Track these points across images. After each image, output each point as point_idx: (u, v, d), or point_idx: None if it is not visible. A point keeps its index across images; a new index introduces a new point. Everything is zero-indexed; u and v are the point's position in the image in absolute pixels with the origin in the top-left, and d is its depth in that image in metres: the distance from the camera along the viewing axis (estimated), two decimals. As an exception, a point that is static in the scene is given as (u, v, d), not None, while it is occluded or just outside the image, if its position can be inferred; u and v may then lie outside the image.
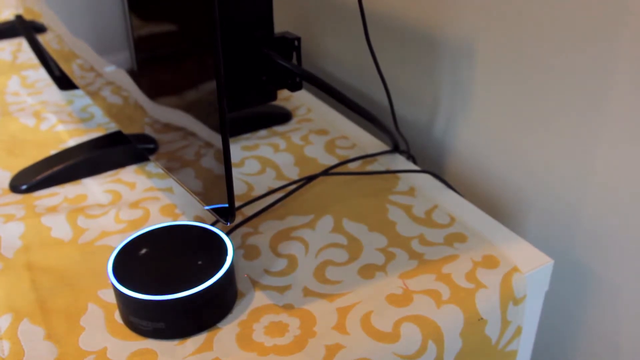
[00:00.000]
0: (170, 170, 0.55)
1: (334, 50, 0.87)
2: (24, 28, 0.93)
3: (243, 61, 0.52)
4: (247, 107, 0.54)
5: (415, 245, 0.52)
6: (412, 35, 0.71)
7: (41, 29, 0.86)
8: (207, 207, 0.49)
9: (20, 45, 0.97)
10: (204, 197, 0.50)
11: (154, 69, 0.52)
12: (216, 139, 0.44)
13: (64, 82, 0.76)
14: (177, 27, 0.45)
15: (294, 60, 0.53)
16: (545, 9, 0.54)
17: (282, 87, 0.54)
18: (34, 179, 0.61)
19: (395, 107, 0.77)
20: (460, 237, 0.53)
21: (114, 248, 0.51)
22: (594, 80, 0.52)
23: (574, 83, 0.54)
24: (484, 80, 0.63)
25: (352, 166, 0.64)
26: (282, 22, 0.98)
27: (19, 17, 0.96)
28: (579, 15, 0.52)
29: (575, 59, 0.53)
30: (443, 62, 0.68)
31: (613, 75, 0.50)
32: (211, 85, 0.43)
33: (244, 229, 0.54)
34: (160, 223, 0.49)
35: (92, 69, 0.67)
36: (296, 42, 0.52)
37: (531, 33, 0.56)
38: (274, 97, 0.54)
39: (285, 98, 0.78)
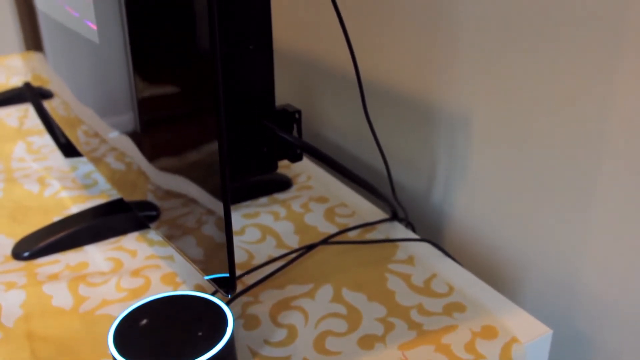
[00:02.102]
0: (170, 238, 0.55)
1: (333, 118, 0.89)
2: (31, 95, 0.95)
3: (245, 132, 0.53)
4: (248, 177, 0.55)
5: (414, 315, 0.53)
6: (409, 105, 0.73)
7: (48, 95, 0.89)
8: (207, 277, 0.50)
9: (27, 112, 0.99)
10: (205, 265, 0.50)
11: (157, 136, 0.53)
12: (218, 206, 0.45)
13: (68, 149, 0.77)
14: (181, 97, 0.47)
15: (295, 132, 0.54)
16: (539, 82, 0.56)
17: (282, 158, 0.55)
18: (36, 246, 0.61)
19: (394, 174, 0.79)
20: (459, 307, 0.54)
21: (115, 318, 0.52)
22: (589, 151, 0.54)
23: (570, 153, 0.55)
24: (480, 149, 0.65)
25: (352, 234, 0.64)
26: (284, 88, 1.00)
27: (27, 84, 0.98)
28: (573, 89, 0.53)
29: (570, 130, 0.55)
30: (440, 131, 0.69)
31: (608, 146, 0.52)
32: (214, 154, 0.44)
33: (244, 298, 0.55)
34: (160, 293, 0.49)
35: (96, 135, 0.68)
36: (297, 115, 0.54)
37: (525, 105, 0.58)
38: (275, 168, 0.56)
39: (286, 165, 0.79)
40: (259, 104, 0.52)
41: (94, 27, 0.56)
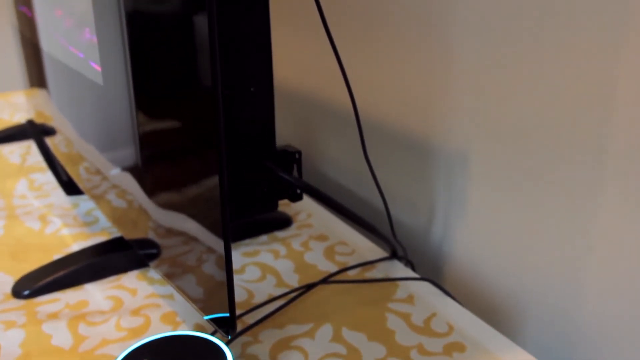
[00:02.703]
0: (170, 277, 0.56)
1: (333, 155, 0.89)
2: (34, 132, 0.96)
3: (245, 172, 0.54)
4: (248, 217, 0.56)
5: (414, 355, 0.52)
6: (408, 143, 0.74)
7: (51, 131, 0.90)
8: (206, 317, 0.50)
9: (29, 148, 1.00)
10: (205, 305, 0.51)
11: (158, 174, 0.54)
12: (218, 244, 0.46)
13: (70, 187, 0.78)
14: (183, 137, 0.48)
15: (295, 172, 0.55)
16: (535, 122, 0.57)
17: (283, 198, 0.55)
18: (36, 284, 0.62)
19: (393, 212, 0.79)
20: (459, 347, 0.54)
21: (115, 358, 0.51)
22: (585, 189, 0.54)
23: (568, 191, 0.56)
24: (479, 187, 0.65)
25: (351, 273, 0.65)
26: (284, 125, 1.01)
27: (29, 122, 0.99)
28: (569, 130, 0.54)
29: (567, 169, 0.55)
30: (438, 169, 0.70)
31: (604, 186, 0.52)
32: (215, 193, 0.44)
33: (243, 338, 0.55)
34: (160, 333, 0.49)
35: (98, 172, 0.69)
36: (297, 155, 0.54)
37: (523, 144, 0.59)
38: (275, 208, 0.56)
39: (286, 203, 0.79)
40: (260, 144, 0.53)
41: (99, 68, 0.57)
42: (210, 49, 0.41)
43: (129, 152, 0.57)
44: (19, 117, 1.14)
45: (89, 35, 0.59)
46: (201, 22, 0.41)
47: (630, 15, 0.47)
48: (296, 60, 0.93)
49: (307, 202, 0.80)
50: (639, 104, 0.48)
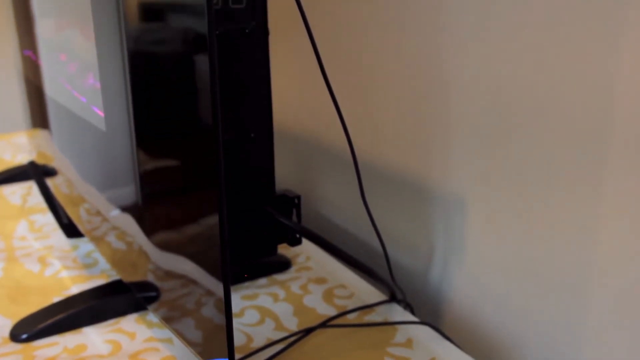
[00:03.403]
0: (169, 320, 0.56)
1: (333, 197, 0.90)
2: (35, 173, 0.97)
3: (245, 217, 0.55)
4: (247, 261, 0.56)
5: (413, 401, 0.52)
6: (406, 186, 0.74)
7: (52, 172, 0.90)
8: (206, 363, 0.50)
9: (30, 189, 1.00)
10: (203, 349, 0.50)
11: (159, 216, 0.54)
12: (218, 287, 0.46)
13: (70, 230, 0.78)
14: (184, 181, 0.48)
15: (294, 217, 0.55)
16: (532, 164, 0.58)
17: (282, 242, 0.56)
18: (34, 328, 0.61)
19: (392, 255, 0.79)
20: (458, 393, 0.53)
21: (111, 403, 0.51)
22: (585, 230, 0.54)
23: (566, 234, 0.56)
24: (477, 230, 0.65)
25: (350, 317, 0.64)
26: (284, 166, 1.02)
27: (31, 163, 1.00)
28: (567, 174, 0.55)
29: (564, 211, 0.56)
30: (437, 211, 0.71)
31: (604, 226, 0.53)
32: (215, 237, 0.45)
33: (242, 383, 0.54)
34: (159, 379, 0.49)
35: (98, 213, 0.69)
36: (296, 200, 0.55)
37: (520, 188, 0.59)
38: (274, 252, 0.56)
39: (286, 246, 0.80)
40: (260, 189, 0.54)
41: (101, 113, 0.58)
42: (211, 96, 0.42)
43: (130, 194, 0.57)
44: (21, 158, 1.15)
45: (93, 80, 0.60)
46: (203, 69, 0.42)
47: (621, 70, 0.48)
48: (295, 102, 0.95)
49: (306, 244, 0.81)
50: (633, 150, 0.49)
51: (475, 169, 0.64)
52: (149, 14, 0.48)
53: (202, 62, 0.43)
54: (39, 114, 0.91)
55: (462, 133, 0.65)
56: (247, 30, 0.48)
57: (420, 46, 0.68)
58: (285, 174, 1.02)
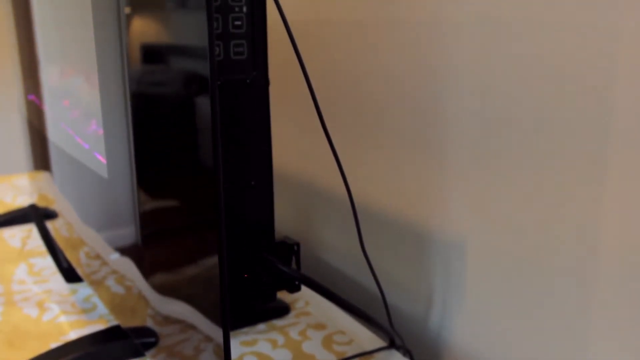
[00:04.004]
0: (168, 368, 0.55)
1: (331, 241, 0.90)
2: (35, 216, 0.97)
3: (244, 263, 0.55)
4: (247, 307, 0.56)
5: None
6: (404, 229, 0.75)
7: (53, 215, 0.91)
8: (204, 412, 0.49)
9: (30, 232, 1.01)
10: (201, 398, 0.50)
11: (159, 261, 0.54)
12: (217, 333, 0.46)
13: (70, 274, 0.78)
14: (184, 229, 0.49)
15: (294, 264, 0.56)
16: (530, 212, 0.58)
17: (281, 289, 0.56)
18: (32, 374, 0.61)
19: (391, 299, 0.79)
20: None
21: None
22: (582, 281, 0.55)
23: (565, 280, 0.56)
24: (476, 275, 0.66)
25: (349, 364, 0.64)
26: (283, 211, 1.02)
27: (32, 206, 1.01)
28: (562, 217, 0.55)
29: (564, 257, 0.56)
30: (435, 257, 0.71)
31: (603, 276, 0.53)
32: (214, 283, 0.45)
33: None
34: None
35: (98, 257, 0.70)
36: (295, 247, 0.55)
37: (519, 231, 0.60)
38: (274, 298, 0.56)
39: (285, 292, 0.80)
40: (259, 236, 0.54)
41: (104, 160, 0.59)
42: (213, 145, 0.42)
43: (130, 237, 0.58)
44: (22, 200, 1.15)
45: (95, 126, 0.61)
46: (206, 117, 0.43)
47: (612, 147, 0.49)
48: (295, 149, 0.96)
49: (305, 290, 0.81)
50: (629, 207, 0.50)
51: (474, 215, 0.64)
52: (152, 64, 0.50)
53: (205, 110, 0.44)
54: (41, 157, 0.92)
55: (461, 179, 0.65)
56: (248, 81, 0.49)
57: (417, 94, 0.69)
58: (285, 219, 1.03)
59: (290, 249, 0.55)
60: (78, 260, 0.77)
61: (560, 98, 0.54)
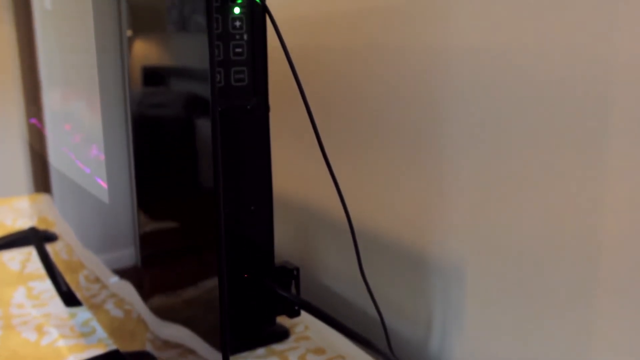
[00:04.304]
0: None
1: (331, 265, 0.90)
2: (35, 239, 0.97)
3: (244, 288, 0.55)
4: (246, 332, 0.56)
5: None
6: (404, 255, 0.75)
7: (53, 238, 0.91)
8: None
9: (30, 255, 1.01)
10: None
11: (158, 284, 0.54)
12: (216, 358, 0.46)
13: (69, 298, 0.78)
14: (185, 254, 0.49)
15: (293, 289, 0.56)
16: (531, 236, 0.58)
17: (281, 314, 0.56)
18: (30, 400, 0.61)
19: (391, 324, 0.79)
20: None
21: None
22: (585, 303, 0.55)
23: (565, 306, 0.56)
24: (476, 301, 0.66)
25: (349, 389, 0.64)
26: (283, 235, 1.03)
27: (32, 229, 1.01)
28: (563, 242, 0.56)
29: (564, 283, 0.56)
30: (435, 282, 0.71)
31: (604, 301, 0.53)
32: (214, 307, 0.45)
33: None
34: None
35: (97, 280, 0.70)
36: (295, 272, 0.55)
37: (519, 259, 0.60)
38: (273, 323, 0.56)
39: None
40: (259, 261, 0.54)
41: (105, 185, 0.59)
42: (214, 171, 0.43)
43: (130, 261, 0.58)
44: (22, 223, 1.16)
45: (97, 151, 0.61)
46: (207, 143, 0.43)
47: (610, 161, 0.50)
48: (295, 172, 0.96)
49: (304, 314, 0.80)
50: (630, 235, 0.50)
51: (474, 239, 0.65)
52: (154, 91, 0.50)
53: (206, 136, 0.44)
54: (41, 179, 0.92)
55: (460, 203, 0.66)
56: (248, 107, 0.50)
57: (416, 118, 0.70)
58: (285, 242, 1.03)
59: (289, 274, 0.55)
60: (77, 283, 0.77)
61: (558, 124, 0.54)
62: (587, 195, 0.53)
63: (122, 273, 0.61)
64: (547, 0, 0.54)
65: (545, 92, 0.55)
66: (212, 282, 0.45)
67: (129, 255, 0.58)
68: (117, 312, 0.65)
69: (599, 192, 0.52)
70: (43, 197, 0.93)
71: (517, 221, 0.59)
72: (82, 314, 0.80)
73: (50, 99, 0.78)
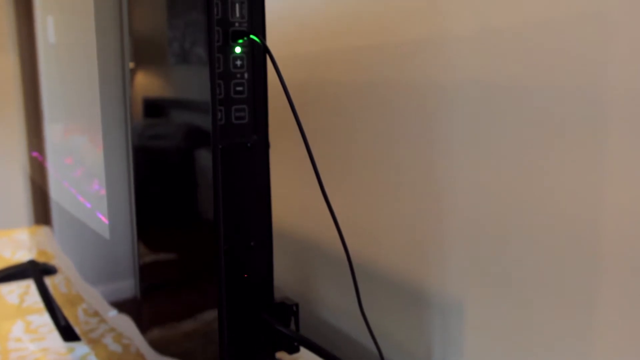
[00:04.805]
0: None
1: (331, 299, 0.90)
2: (34, 272, 0.97)
3: (243, 324, 0.55)
4: (245, 368, 0.56)
5: None
6: (404, 290, 0.75)
7: (52, 271, 0.91)
8: None
9: (28, 288, 1.00)
10: None
11: (158, 318, 0.54)
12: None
13: (67, 333, 0.78)
14: (184, 287, 0.49)
15: (293, 325, 0.56)
16: (532, 272, 0.58)
17: (280, 350, 0.56)
18: None
19: (390, 358, 0.78)
20: None
21: None
22: (586, 340, 0.55)
23: (566, 342, 0.56)
24: (475, 335, 0.65)
25: None
26: (282, 268, 1.02)
27: (31, 262, 1.01)
28: (563, 279, 0.56)
29: (564, 320, 0.56)
30: (434, 316, 0.71)
31: (604, 336, 0.53)
32: (213, 344, 0.45)
33: None
34: None
35: (96, 313, 0.69)
36: (294, 308, 0.55)
37: (519, 294, 0.60)
38: (272, 359, 0.56)
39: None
40: (258, 297, 0.54)
41: (106, 220, 0.59)
42: (214, 207, 0.43)
43: (130, 295, 0.58)
44: (21, 255, 1.15)
45: (98, 186, 0.61)
46: (208, 179, 0.44)
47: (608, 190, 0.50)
48: (294, 207, 0.96)
49: (304, 350, 0.80)
50: (631, 270, 0.50)
51: (473, 274, 0.65)
52: (156, 129, 0.51)
53: (207, 172, 0.45)
54: (42, 212, 0.92)
55: (459, 237, 0.66)
56: (249, 144, 0.50)
57: (414, 154, 0.70)
58: (284, 277, 1.02)
59: (289, 310, 0.55)
60: (76, 317, 0.77)
61: (556, 168, 0.55)
62: (587, 238, 0.53)
63: (121, 306, 0.61)
64: (544, 36, 0.55)
65: (542, 130, 0.56)
66: (212, 316, 0.45)
67: (128, 287, 0.58)
68: (115, 347, 0.64)
69: (599, 236, 0.52)
70: (43, 230, 0.93)
71: (517, 255, 0.59)
72: (80, 348, 0.80)
73: (53, 132, 0.79)
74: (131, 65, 0.51)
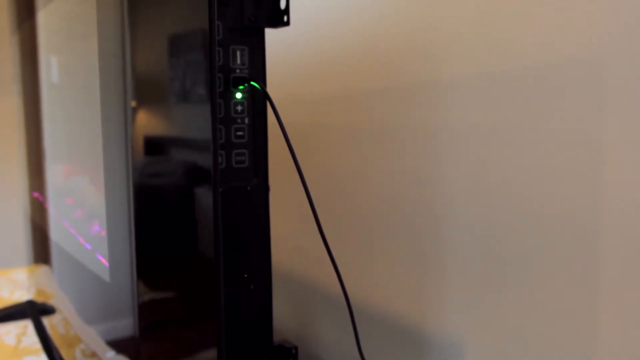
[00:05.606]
0: None
1: (330, 341, 0.90)
2: (32, 313, 0.97)
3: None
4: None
5: None
6: (403, 333, 0.74)
7: (50, 311, 0.90)
8: None
9: (26, 328, 1.00)
10: None
11: (157, 356, 0.54)
12: None
13: (65, 374, 0.77)
14: (183, 330, 0.49)
15: (291, 368, 0.56)
16: (527, 313, 0.59)
17: (279, 394, 0.55)
18: None
19: (390, 402, 0.78)
20: None
21: None
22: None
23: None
24: (475, 381, 0.65)
25: None
26: (282, 309, 1.02)
27: (30, 302, 1.00)
28: (556, 320, 0.56)
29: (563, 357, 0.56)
30: (433, 358, 0.70)
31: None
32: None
33: None
34: None
35: (94, 354, 0.69)
36: (293, 351, 0.55)
37: (517, 337, 0.60)
38: (271, 403, 0.56)
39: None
40: (257, 340, 0.54)
41: (106, 263, 0.60)
42: (215, 250, 0.43)
43: (127, 335, 0.58)
44: (19, 295, 1.15)
45: (98, 228, 0.62)
46: (209, 222, 0.44)
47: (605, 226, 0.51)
48: (294, 250, 0.97)
49: (302, 390, 0.79)
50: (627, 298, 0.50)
51: (471, 316, 0.65)
52: (157, 173, 0.52)
53: (207, 214, 0.45)
54: (41, 252, 0.92)
55: (457, 280, 0.66)
56: (249, 188, 0.51)
57: (412, 196, 0.71)
58: (283, 317, 1.02)
59: (288, 353, 0.55)
60: (74, 358, 0.77)
61: (552, 214, 0.55)
62: (586, 281, 0.53)
63: (119, 346, 0.61)
64: (542, 83, 0.56)
65: (541, 181, 0.56)
66: (211, 358, 0.45)
67: (126, 327, 0.58)
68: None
69: (599, 284, 0.52)
70: (42, 269, 0.93)
71: (515, 297, 0.59)
72: (77, 391, 0.79)
73: (54, 172, 0.80)
74: (133, 104, 0.52)
